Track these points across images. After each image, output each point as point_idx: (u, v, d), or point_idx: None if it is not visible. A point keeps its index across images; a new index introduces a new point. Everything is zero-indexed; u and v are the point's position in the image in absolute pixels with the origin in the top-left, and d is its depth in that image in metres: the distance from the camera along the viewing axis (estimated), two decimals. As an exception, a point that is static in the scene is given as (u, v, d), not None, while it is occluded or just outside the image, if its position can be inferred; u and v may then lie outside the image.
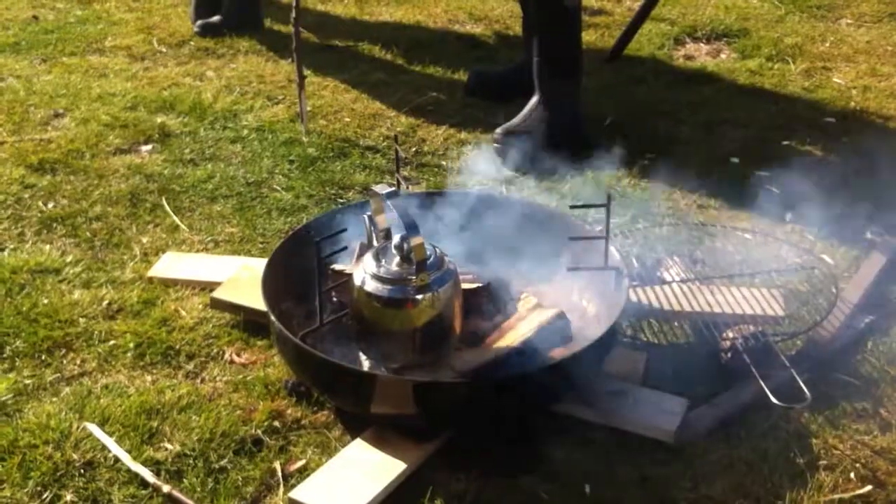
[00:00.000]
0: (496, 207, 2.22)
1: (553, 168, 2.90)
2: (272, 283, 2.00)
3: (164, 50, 3.70)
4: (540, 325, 1.95)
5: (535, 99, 3.08)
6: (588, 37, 4.05)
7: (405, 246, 1.79)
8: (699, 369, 2.06)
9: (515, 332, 1.95)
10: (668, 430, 1.87)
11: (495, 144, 3.02)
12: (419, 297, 1.80)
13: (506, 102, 3.27)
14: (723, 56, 3.90)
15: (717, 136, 3.20)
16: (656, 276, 2.34)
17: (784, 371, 1.94)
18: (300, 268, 2.03)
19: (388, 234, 1.90)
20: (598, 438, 1.89)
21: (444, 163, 3.00)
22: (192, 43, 3.76)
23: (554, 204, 2.62)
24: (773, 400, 1.83)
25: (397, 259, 1.82)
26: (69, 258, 2.42)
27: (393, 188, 1.82)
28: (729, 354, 2.05)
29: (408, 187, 2.30)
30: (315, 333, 1.91)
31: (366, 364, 1.93)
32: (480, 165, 2.97)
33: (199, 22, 3.84)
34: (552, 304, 2.13)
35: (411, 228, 1.74)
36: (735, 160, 3.04)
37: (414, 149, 3.07)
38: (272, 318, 1.89)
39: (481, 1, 4.34)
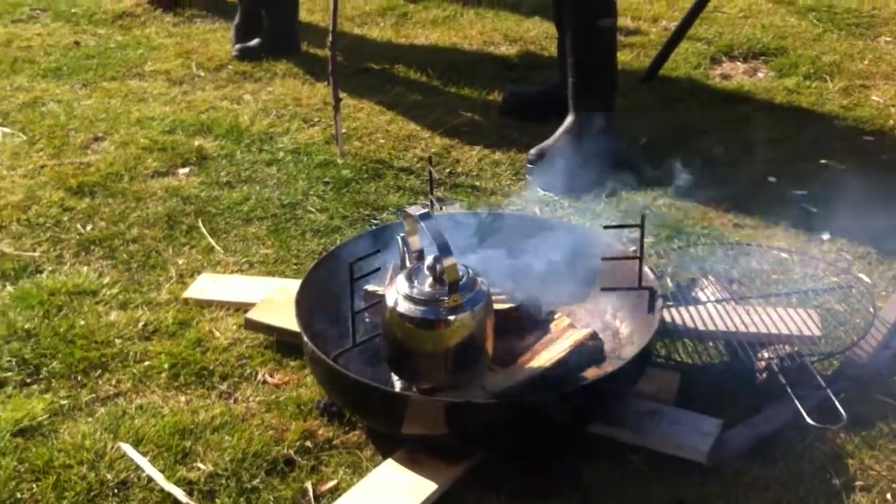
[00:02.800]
0: (529, 228, 2.22)
1: (587, 188, 2.90)
2: (305, 304, 2.01)
3: (202, 74, 3.75)
4: (572, 345, 1.94)
5: (569, 119, 3.07)
6: (624, 57, 4.04)
7: (437, 267, 1.79)
8: (734, 390, 2.04)
9: (548, 353, 1.94)
10: (703, 450, 1.85)
11: (529, 165, 3.02)
12: (451, 317, 1.79)
13: (540, 123, 3.26)
14: (760, 75, 3.87)
15: (754, 155, 3.17)
16: (691, 295, 2.32)
17: (820, 391, 1.91)
18: (334, 289, 2.04)
19: (420, 255, 1.90)
20: (632, 459, 1.87)
21: (478, 183, 3.00)
22: (230, 67, 3.81)
23: (588, 224, 2.60)
24: (809, 420, 1.81)
25: (430, 280, 1.82)
26: (106, 280, 2.45)
27: (426, 209, 1.82)
28: (764, 375, 2.03)
29: (441, 208, 2.30)
30: (348, 354, 1.91)
31: (397, 385, 1.92)
32: (514, 186, 2.99)
33: (238, 46, 3.89)
34: (585, 324, 2.12)
35: (444, 249, 1.74)
36: (772, 179, 3.02)
37: (448, 170, 3.07)
38: (305, 338, 1.90)
39: (517, 23, 4.35)
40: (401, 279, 1.84)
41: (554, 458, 1.87)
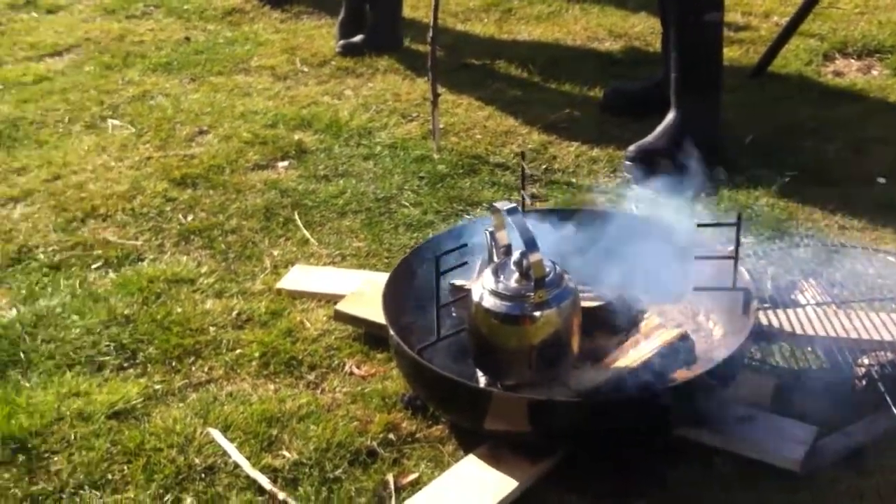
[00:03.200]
0: (622, 225, 2.17)
1: (688, 186, 2.82)
2: (393, 297, 2.01)
3: (305, 69, 3.80)
4: (662, 345, 1.89)
5: (671, 116, 3.01)
6: (732, 53, 3.94)
7: (524, 262, 1.77)
8: (831, 397, 1.96)
9: (636, 353, 1.90)
10: (795, 458, 1.79)
11: (627, 162, 2.97)
12: (536, 313, 1.77)
13: (642, 120, 3.20)
14: (874, 73, 3.73)
15: (864, 155, 3.05)
16: (790, 298, 2.25)
17: (923, 401, 1.82)
18: (422, 283, 2.05)
19: (508, 251, 1.88)
20: (720, 464, 1.82)
21: (574, 180, 2.96)
22: (333, 62, 3.85)
23: (684, 222, 2.54)
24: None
25: (516, 275, 1.80)
26: (204, 269, 2.50)
27: (514, 204, 1.80)
28: (864, 382, 1.95)
29: (532, 204, 2.27)
30: (432, 348, 1.90)
31: (482, 380, 1.91)
32: (611, 183, 2.94)
33: (342, 42, 3.93)
34: (678, 324, 2.07)
35: (530, 245, 1.72)
36: (882, 180, 2.90)
37: (544, 166, 3.04)
38: (391, 331, 1.90)
39: (622, 18, 4.28)
40: (487, 274, 1.83)
41: (639, 460, 1.83)
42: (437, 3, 3.08)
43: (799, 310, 2.18)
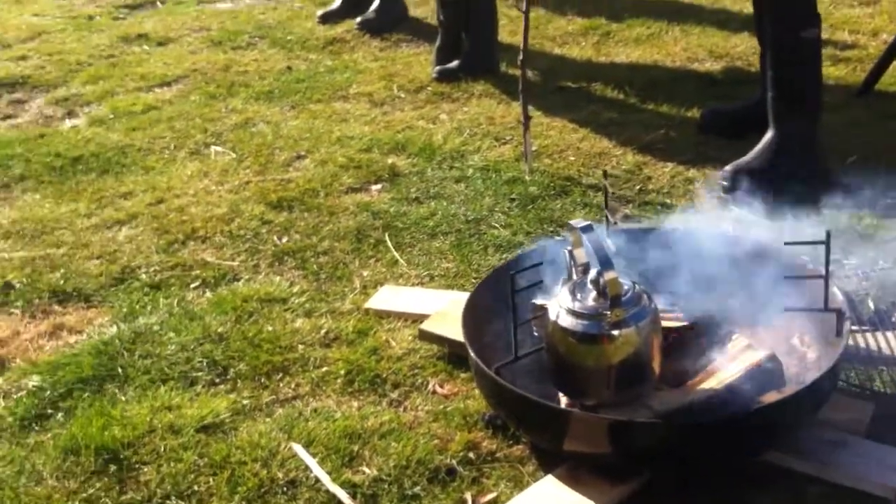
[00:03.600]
0: (709, 244, 2.12)
1: (786, 207, 2.75)
2: (474, 316, 2.01)
3: (402, 95, 3.85)
4: (749, 367, 1.84)
5: (768, 136, 2.94)
6: (838, 71, 3.84)
7: (600, 281, 1.75)
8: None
9: (722, 374, 1.85)
10: (891, 486, 1.71)
11: (723, 182, 2.91)
12: (614, 332, 1.75)
13: (741, 140, 3.13)
14: None
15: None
16: (892, 320, 2.16)
17: None
18: (505, 302, 2.04)
19: (586, 269, 1.86)
20: (811, 491, 1.76)
21: (668, 201, 2.92)
22: (429, 88, 3.89)
23: (776, 242, 2.47)
24: None
25: (593, 294, 1.78)
26: (296, 289, 2.55)
27: (589, 222, 1.78)
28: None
29: (615, 223, 2.25)
30: (512, 367, 1.89)
31: (563, 400, 1.89)
32: (707, 204, 2.88)
33: (438, 68, 3.98)
34: (769, 346, 2.01)
35: (605, 263, 1.70)
36: None
37: (638, 187, 3.01)
38: (469, 349, 1.90)
39: (724, 38, 4.21)
40: (564, 292, 1.81)
41: (724, 486, 1.78)
42: (527, 25, 3.09)
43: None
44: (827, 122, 3.32)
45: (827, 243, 1.87)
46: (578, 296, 1.80)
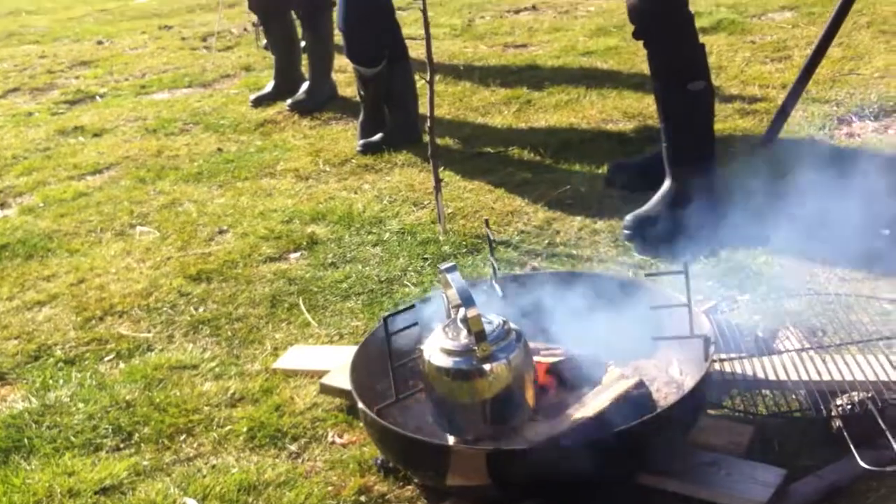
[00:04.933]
0: (589, 285, 2.22)
1: (685, 251, 2.85)
2: (366, 365, 2.08)
3: (327, 169, 3.96)
4: (619, 395, 1.91)
5: (665, 184, 3.06)
6: (745, 123, 3.99)
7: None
8: (807, 440, 1.95)
9: (594, 403, 1.92)
10: (760, 500, 1.77)
11: (625, 231, 3.01)
12: (484, 367, 1.82)
13: (646, 192, 3.25)
14: (890, 132, 3.72)
15: (871, 210, 3.03)
16: (772, 346, 2.24)
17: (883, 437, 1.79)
18: (396, 349, 2.10)
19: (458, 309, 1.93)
20: (685, 511, 1.81)
21: (575, 252, 3.01)
22: (354, 161, 4.00)
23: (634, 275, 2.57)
24: (861, 463, 1.70)
25: (464, 332, 1.85)
26: (207, 354, 2.61)
27: (453, 264, 1.87)
28: (837, 424, 1.92)
29: (498, 269, 2.32)
30: (394, 409, 1.95)
31: (450, 438, 1.95)
32: (611, 252, 2.98)
33: (362, 141, 4.10)
34: (651, 377, 2.09)
35: (467, 300, 1.78)
36: (886, 232, 2.88)
37: (547, 241, 3.10)
38: (354, 394, 1.96)
39: (637, 99, 4.36)
40: (437, 332, 1.89)
41: (602, 510, 1.83)
42: (432, 93, 3.21)
43: (778, 357, 2.17)
44: (731, 170, 3.46)
45: (686, 272, 1.95)
46: (450, 335, 1.87)
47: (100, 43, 7.35)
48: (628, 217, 3.03)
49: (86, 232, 3.54)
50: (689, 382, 2.07)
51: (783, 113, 3.71)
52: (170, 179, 4.00)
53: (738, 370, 2.14)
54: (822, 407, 1.95)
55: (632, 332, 2.11)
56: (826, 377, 2.04)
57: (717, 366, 2.10)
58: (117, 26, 8.18)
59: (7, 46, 7.63)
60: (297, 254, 3.20)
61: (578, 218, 3.22)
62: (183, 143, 4.47)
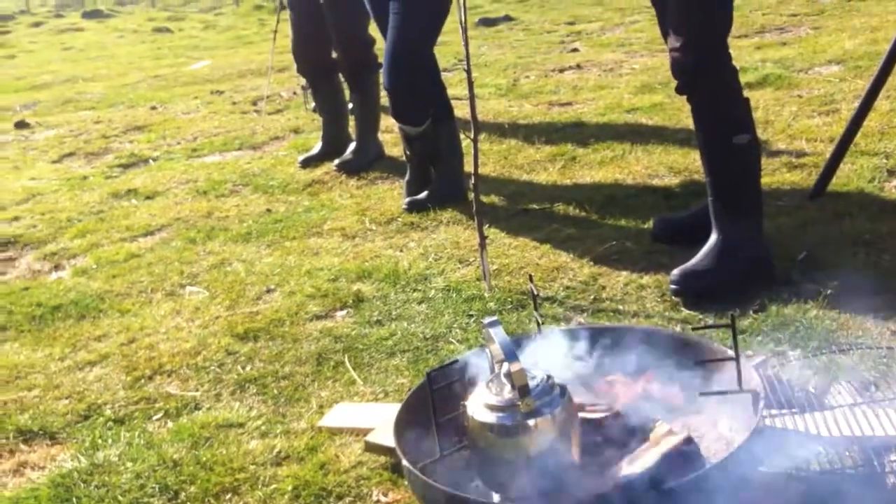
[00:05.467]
0: (635, 339, 2.20)
1: (734, 306, 2.82)
2: (408, 422, 2.07)
3: (373, 228, 3.99)
4: (666, 451, 1.88)
5: (713, 239, 3.04)
6: (793, 176, 3.97)
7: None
8: (864, 497, 1.89)
9: (642, 460, 1.89)
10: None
11: (672, 286, 2.99)
12: (528, 422, 1.80)
13: (693, 246, 3.22)
14: (942, 183, 3.67)
15: (923, 262, 2.99)
16: (824, 402, 2.20)
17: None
18: (441, 406, 2.10)
19: (502, 364, 1.93)
20: (736, 571, 1.76)
21: (621, 307, 2.99)
22: (399, 219, 4.04)
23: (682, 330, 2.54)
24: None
25: (507, 387, 1.84)
26: (253, 413, 2.62)
27: (496, 318, 1.87)
28: (893, 479, 1.87)
29: (542, 324, 2.31)
30: (437, 465, 1.94)
31: (495, 497, 1.93)
32: (658, 308, 2.96)
33: (407, 199, 4.13)
34: (697, 432, 2.05)
35: (510, 355, 1.78)
36: (940, 284, 2.83)
37: (593, 296, 3.09)
38: (399, 451, 1.95)
39: (683, 155, 4.36)
40: (480, 387, 1.88)
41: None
42: (477, 150, 3.23)
43: (829, 413, 2.12)
44: (779, 224, 3.43)
45: (733, 326, 1.93)
46: (494, 390, 1.86)
47: (153, 108, 7.54)
48: (675, 271, 3.00)
49: (137, 292, 3.60)
50: (738, 439, 2.03)
51: (832, 166, 3.68)
52: (219, 240, 4.06)
53: (789, 426, 2.10)
54: (876, 463, 1.90)
55: (679, 387, 2.08)
56: (880, 432, 1.99)
57: (767, 422, 2.06)
58: (170, 92, 8.39)
59: (64, 112, 7.86)
60: (343, 312, 3.21)
61: (624, 273, 3.21)
62: (233, 204, 4.55)
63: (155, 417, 2.69)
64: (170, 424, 2.63)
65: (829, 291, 2.86)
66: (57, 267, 4.06)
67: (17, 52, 15.04)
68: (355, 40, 4.76)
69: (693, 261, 3.02)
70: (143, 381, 2.90)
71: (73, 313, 3.47)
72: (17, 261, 4.19)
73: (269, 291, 3.46)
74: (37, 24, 20.12)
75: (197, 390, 2.81)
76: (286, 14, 5.11)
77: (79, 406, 2.79)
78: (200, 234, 4.15)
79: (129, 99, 8.18)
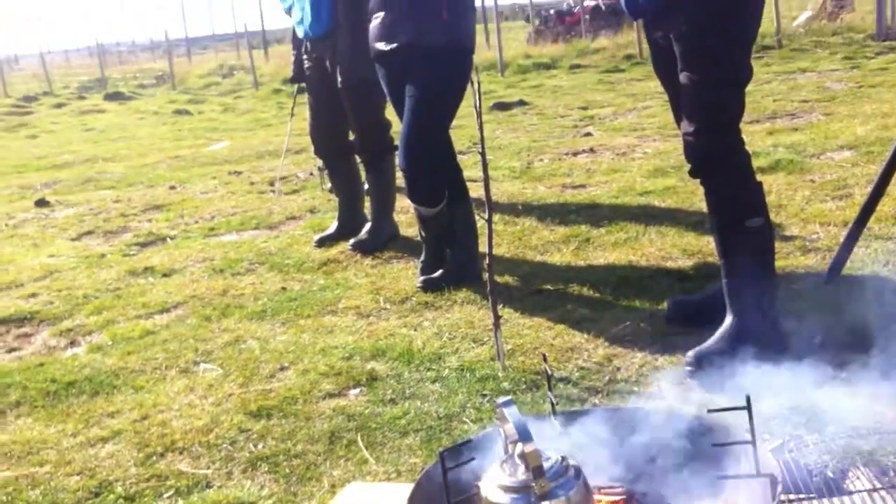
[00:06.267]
0: (649, 422, 2.18)
1: (749, 388, 2.80)
2: (420, 502, 2.05)
3: (388, 306, 4.00)
4: (683, 534, 1.86)
5: (727, 321, 3.04)
6: (808, 260, 3.97)
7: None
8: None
9: (658, 543, 1.86)
10: None
11: (687, 367, 2.98)
12: None
13: (707, 328, 3.22)
14: (957, 266, 3.67)
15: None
16: (842, 486, 2.17)
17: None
18: (454, 486, 2.08)
19: (516, 444, 1.92)
20: None
21: (636, 389, 2.98)
22: (414, 298, 4.05)
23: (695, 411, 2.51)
24: None
25: (521, 468, 1.83)
26: (265, 492, 2.60)
27: (510, 398, 1.86)
28: (914, 567, 1.84)
29: (557, 405, 2.31)
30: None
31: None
32: (674, 390, 2.94)
33: (422, 278, 4.15)
34: (715, 517, 2.02)
35: (524, 435, 1.77)
36: (956, 369, 2.81)
37: (608, 377, 3.08)
38: (411, 531, 1.93)
39: (696, 237, 4.38)
40: (494, 468, 1.87)
41: None
42: (491, 231, 3.26)
43: (848, 498, 2.10)
44: (794, 307, 3.43)
45: (749, 408, 1.92)
46: (508, 471, 1.85)
47: (172, 188, 7.64)
48: (690, 353, 3.00)
49: (151, 369, 3.61)
50: (756, 523, 2.01)
51: (845, 250, 3.69)
52: (234, 317, 4.08)
53: (807, 510, 2.07)
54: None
55: (695, 470, 2.06)
56: (900, 518, 1.96)
57: (784, 506, 2.04)
58: (189, 172, 8.51)
59: (84, 191, 7.97)
60: (357, 390, 3.21)
61: (639, 354, 3.20)
62: (248, 283, 4.57)
63: (166, 495, 2.67)
64: (180, 502, 2.62)
65: (844, 375, 2.84)
66: (72, 343, 4.08)
67: (40, 131, 15.33)
68: (372, 124, 4.84)
69: (708, 343, 3.01)
70: (154, 458, 2.89)
71: (86, 389, 3.48)
72: (33, 337, 4.21)
73: (282, 369, 3.47)
74: (59, 105, 20.52)
75: (208, 468, 2.79)
76: (304, 97, 5.21)
77: (90, 483, 2.77)
78: (216, 312, 4.17)
79: (148, 179, 8.30)
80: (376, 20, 4.07)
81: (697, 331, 3.25)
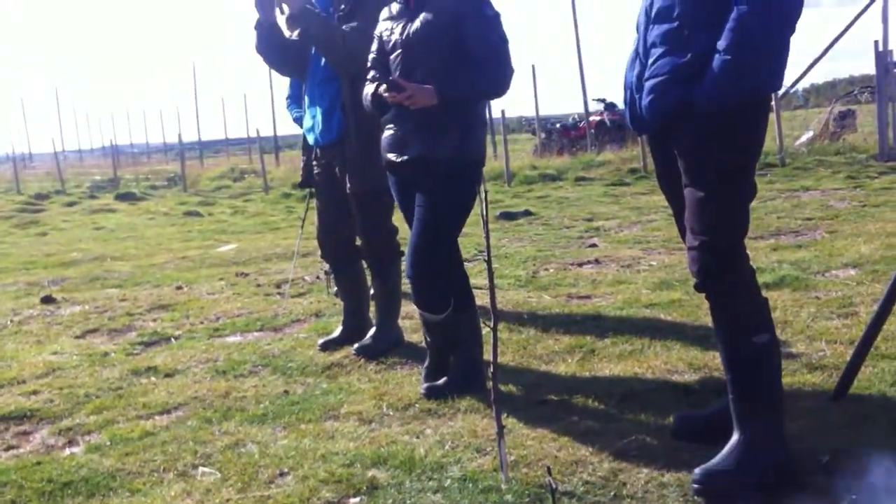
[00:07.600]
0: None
1: (756, 506, 2.77)
2: None
3: (391, 413, 3.97)
4: None
5: (734, 438, 3.01)
6: (814, 378, 3.96)
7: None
8: None
9: None
10: None
11: (694, 485, 2.94)
12: None
13: (714, 444, 3.19)
14: (966, 388, 3.65)
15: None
16: None
17: None
18: None
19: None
20: None
21: (641, 506, 2.93)
22: (417, 405, 4.02)
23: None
24: None
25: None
26: None
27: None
28: None
29: (562, 517, 2.27)
30: None
31: None
32: (679, 507, 2.90)
33: (426, 385, 4.13)
34: None
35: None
36: (967, 493, 2.76)
37: (612, 493, 3.03)
38: None
39: (702, 351, 4.37)
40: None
41: None
42: (496, 339, 3.25)
43: None
44: (801, 426, 3.40)
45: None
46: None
47: (179, 288, 7.67)
48: (697, 470, 2.96)
49: (149, 471, 3.56)
50: None
51: (853, 368, 3.68)
52: (235, 420, 4.04)
53: None
54: None
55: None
56: None
57: None
58: (196, 273, 8.56)
59: (91, 289, 8.00)
60: (357, 499, 3.16)
61: (645, 470, 3.16)
62: (251, 385, 4.55)
63: None
64: None
65: (853, 497, 2.80)
66: (71, 442, 4.03)
67: (50, 229, 15.49)
68: (379, 230, 4.89)
69: (715, 460, 2.98)
70: (148, 563, 2.83)
71: (82, 490, 3.42)
72: (31, 435, 4.17)
73: (282, 475, 3.42)
74: (71, 204, 20.78)
75: (203, 575, 2.73)
76: (315, 202, 5.27)
77: (81, 587, 2.71)
78: (217, 414, 4.14)
79: (155, 278, 8.34)
80: (388, 131, 4.14)
81: (704, 446, 3.22)
